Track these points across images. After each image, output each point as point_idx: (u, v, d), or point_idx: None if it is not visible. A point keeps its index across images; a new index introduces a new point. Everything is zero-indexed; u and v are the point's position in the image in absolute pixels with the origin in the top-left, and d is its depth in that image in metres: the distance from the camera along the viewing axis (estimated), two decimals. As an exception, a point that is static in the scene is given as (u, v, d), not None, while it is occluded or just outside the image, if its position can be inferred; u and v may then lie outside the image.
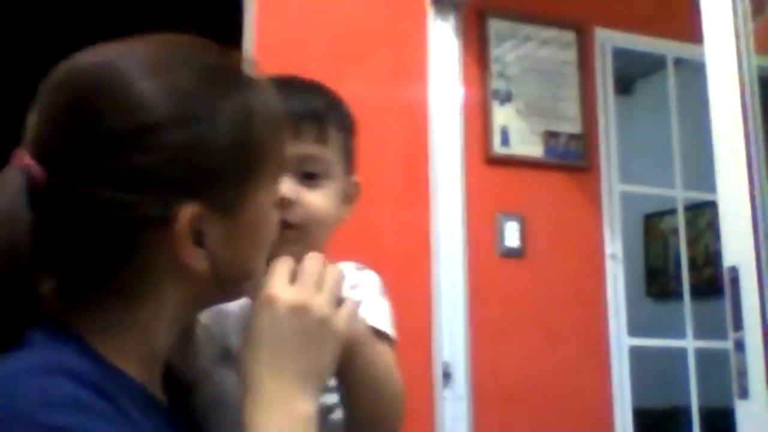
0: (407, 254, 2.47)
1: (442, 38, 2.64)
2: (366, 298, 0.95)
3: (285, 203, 0.96)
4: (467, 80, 2.65)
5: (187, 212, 0.72)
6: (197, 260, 0.75)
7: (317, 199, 1.00)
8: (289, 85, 1.04)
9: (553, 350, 2.60)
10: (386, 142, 2.48)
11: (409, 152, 2.54)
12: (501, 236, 2.61)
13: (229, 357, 0.95)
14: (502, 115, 2.67)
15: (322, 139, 1.01)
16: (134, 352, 0.76)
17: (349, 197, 1.09)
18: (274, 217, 0.84)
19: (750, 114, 1.54)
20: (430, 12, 2.64)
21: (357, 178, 1.10)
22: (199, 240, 0.74)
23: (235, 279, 0.81)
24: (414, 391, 2.32)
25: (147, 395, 0.77)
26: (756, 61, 1.57)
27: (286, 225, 0.97)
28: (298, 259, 0.94)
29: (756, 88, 1.56)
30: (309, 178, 1.00)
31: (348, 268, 0.98)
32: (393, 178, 2.48)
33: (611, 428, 2.63)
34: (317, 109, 1.02)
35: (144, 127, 0.72)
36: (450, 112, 2.61)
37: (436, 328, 2.45)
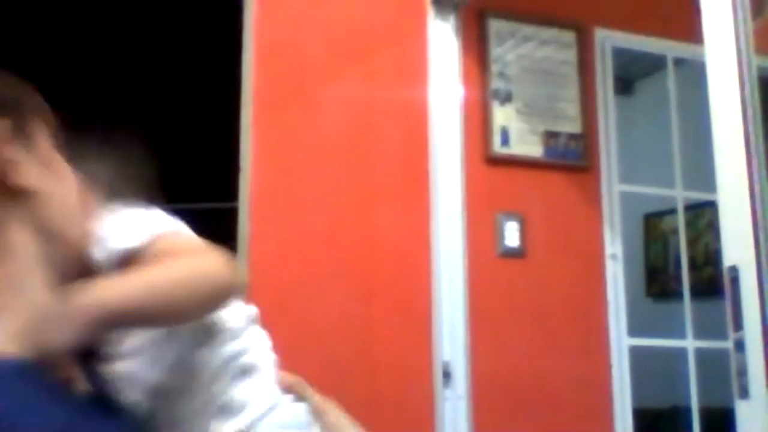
0: (407, 254, 2.47)
1: (442, 38, 2.64)
2: (113, 228, 0.96)
3: None
4: (467, 80, 2.65)
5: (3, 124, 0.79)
6: (23, 176, 0.79)
7: None
8: None
9: (553, 350, 2.60)
10: (386, 141, 2.47)
11: (409, 152, 2.54)
12: (501, 236, 2.61)
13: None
14: (502, 115, 2.67)
15: None
16: (11, 312, 0.76)
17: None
18: (74, 184, 0.88)
19: (750, 114, 1.54)
20: (430, 12, 2.64)
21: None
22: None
23: (68, 222, 0.84)
24: (414, 391, 2.33)
25: (37, 375, 0.75)
26: (756, 61, 1.57)
27: None
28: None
29: (756, 88, 1.56)
30: None
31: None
32: (393, 178, 2.48)
33: (611, 428, 2.63)
34: None
35: None
36: (450, 112, 2.61)
37: (436, 328, 2.45)
